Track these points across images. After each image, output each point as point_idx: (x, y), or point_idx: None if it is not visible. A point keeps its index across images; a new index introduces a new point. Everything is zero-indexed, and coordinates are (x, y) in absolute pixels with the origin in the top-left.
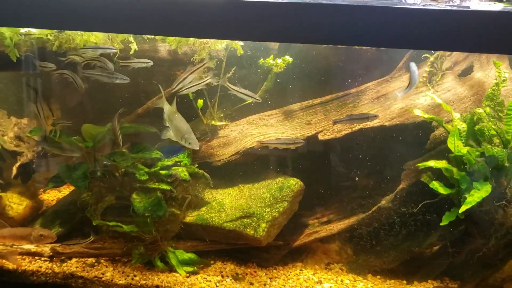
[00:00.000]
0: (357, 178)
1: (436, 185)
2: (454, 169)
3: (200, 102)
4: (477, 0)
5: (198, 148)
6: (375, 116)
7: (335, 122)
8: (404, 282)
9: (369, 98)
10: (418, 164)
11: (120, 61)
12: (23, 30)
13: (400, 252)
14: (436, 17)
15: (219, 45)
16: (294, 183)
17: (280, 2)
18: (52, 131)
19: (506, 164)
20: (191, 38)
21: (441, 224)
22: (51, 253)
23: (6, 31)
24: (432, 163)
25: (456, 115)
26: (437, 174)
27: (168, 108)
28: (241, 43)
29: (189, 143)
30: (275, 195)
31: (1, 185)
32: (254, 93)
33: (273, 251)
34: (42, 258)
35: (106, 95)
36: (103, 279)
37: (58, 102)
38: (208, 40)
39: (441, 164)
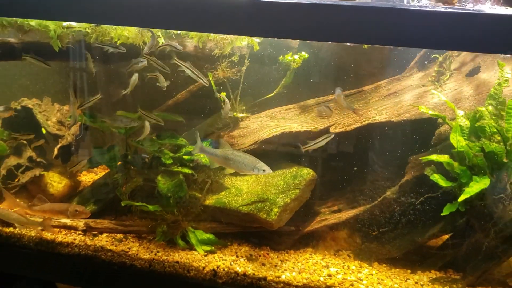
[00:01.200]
0: (366, 171)
1: (437, 178)
2: (455, 164)
3: (223, 94)
4: (489, 5)
5: (271, 171)
6: (331, 134)
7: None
8: (408, 271)
9: (380, 95)
10: (421, 158)
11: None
12: (65, 24)
13: (404, 242)
14: (451, 19)
15: (242, 43)
16: (307, 173)
17: (299, 3)
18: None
19: (505, 160)
20: (211, 34)
21: (441, 214)
22: (84, 228)
23: (51, 24)
24: (434, 157)
25: (460, 113)
26: (442, 168)
27: (222, 152)
28: (257, 39)
29: (263, 171)
30: (289, 183)
31: (44, 165)
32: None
33: (285, 236)
34: (77, 232)
35: (142, 88)
36: (129, 253)
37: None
38: (228, 36)
39: (443, 158)
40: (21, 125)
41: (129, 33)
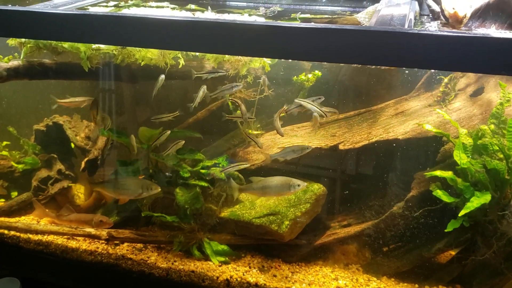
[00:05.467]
0: (374, 186)
1: (439, 193)
2: (459, 180)
3: (238, 112)
4: (494, 29)
5: (305, 184)
6: (309, 148)
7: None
8: (416, 285)
9: (388, 114)
10: (426, 173)
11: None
12: (94, 46)
13: (411, 256)
14: (459, 42)
15: (257, 64)
16: (317, 188)
17: (310, 27)
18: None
19: (507, 177)
20: (226, 56)
21: (445, 230)
22: (107, 237)
23: (82, 46)
24: (438, 173)
25: (463, 131)
26: (447, 184)
27: (256, 184)
28: (269, 61)
29: (298, 186)
30: (300, 197)
31: (72, 177)
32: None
33: (297, 249)
34: (100, 241)
35: (164, 107)
36: (148, 262)
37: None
38: (242, 58)
39: (446, 174)
40: (52, 140)
41: (152, 54)
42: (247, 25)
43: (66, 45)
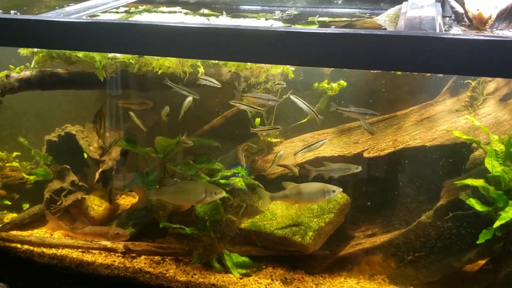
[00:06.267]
0: (400, 195)
1: (473, 202)
2: (491, 188)
3: (257, 120)
4: None
5: (341, 190)
6: (358, 168)
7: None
8: None
9: (413, 120)
10: (456, 182)
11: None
12: (110, 55)
13: (440, 266)
14: (484, 46)
15: (277, 70)
16: (341, 197)
17: (331, 32)
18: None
19: None
20: (248, 64)
21: (477, 242)
22: (123, 250)
23: (97, 55)
24: (469, 181)
25: (494, 137)
26: (477, 193)
27: (291, 190)
28: (292, 68)
29: (333, 191)
30: (323, 207)
31: (85, 188)
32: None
33: (320, 260)
34: (116, 254)
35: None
36: (166, 275)
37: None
38: (263, 65)
39: (478, 182)
40: (65, 150)
41: (169, 63)
42: (273, 31)
43: (80, 54)
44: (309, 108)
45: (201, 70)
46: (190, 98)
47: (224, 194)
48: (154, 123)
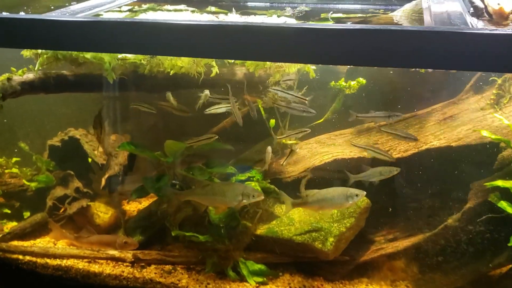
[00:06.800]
0: (423, 197)
1: (504, 205)
2: None
3: (272, 122)
4: None
5: (364, 193)
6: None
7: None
8: None
9: (435, 119)
10: (486, 184)
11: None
12: (120, 56)
13: (466, 271)
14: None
15: (293, 69)
16: (361, 200)
17: (349, 28)
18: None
19: None
20: (267, 62)
21: (509, 244)
22: (133, 259)
23: (106, 56)
24: (500, 183)
25: None
26: (505, 194)
27: (312, 198)
28: (313, 66)
29: (356, 196)
30: (343, 211)
31: (90, 195)
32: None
33: (339, 266)
34: (125, 264)
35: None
36: (179, 285)
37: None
38: (282, 64)
39: (509, 183)
40: (68, 155)
41: (182, 62)
42: (292, 28)
43: (88, 55)
44: (295, 96)
45: (215, 70)
46: (207, 92)
47: (262, 197)
48: (151, 125)
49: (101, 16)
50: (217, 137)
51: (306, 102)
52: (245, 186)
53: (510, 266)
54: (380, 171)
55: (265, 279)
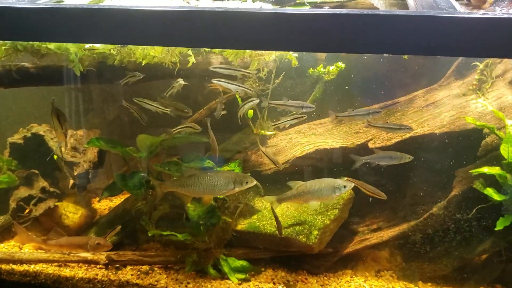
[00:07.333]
0: (406, 186)
1: (490, 192)
2: (508, 175)
3: (250, 112)
4: None
5: (352, 185)
6: (410, 158)
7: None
8: None
9: (417, 106)
10: (472, 171)
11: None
12: (87, 46)
13: (451, 259)
14: (486, 25)
15: (270, 57)
16: None
17: (324, 13)
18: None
19: None
20: (247, 51)
21: (496, 229)
22: (106, 261)
23: (71, 47)
24: (485, 169)
25: (509, 122)
26: (490, 180)
27: (297, 190)
28: (295, 54)
29: (344, 187)
30: (326, 203)
31: (57, 195)
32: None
33: (323, 258)
34: (98, 266)
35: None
36: (157, 286)
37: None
38: (263, 52)
39: (494, 170)
40: (31, 152)
41: (155, 52)
42: (269, 14)
43: (52, 46)
44: (238, 86)
45: (192, 59)
46: (181, 81)
47: (255, 182)
48: (115, 116)
49: (63, 3)
50: (200, 129)
51: (251, 91)
52: (236, 173)
53: (493, 252)
54: (390, 155)
55: (247, 275)
